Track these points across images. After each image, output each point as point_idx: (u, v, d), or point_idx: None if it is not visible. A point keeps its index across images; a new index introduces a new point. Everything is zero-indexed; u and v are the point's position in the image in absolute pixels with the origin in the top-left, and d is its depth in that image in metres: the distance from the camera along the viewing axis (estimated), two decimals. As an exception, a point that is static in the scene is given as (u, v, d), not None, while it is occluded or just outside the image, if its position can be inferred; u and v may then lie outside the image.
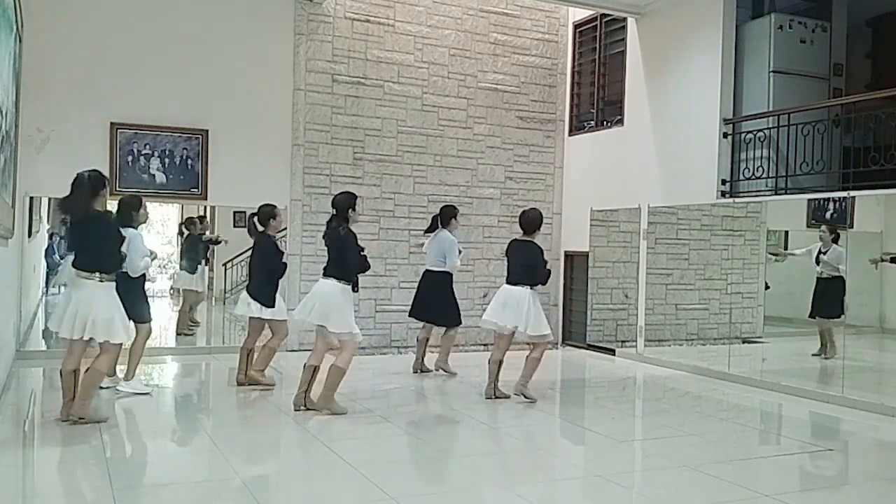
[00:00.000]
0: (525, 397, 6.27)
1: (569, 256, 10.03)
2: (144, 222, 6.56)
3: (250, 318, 6.69)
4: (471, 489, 4.34)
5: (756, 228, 8.07)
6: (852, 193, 6.85)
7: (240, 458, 4.76)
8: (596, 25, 9.80)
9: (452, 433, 5.63)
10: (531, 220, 6.41)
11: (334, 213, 5.77)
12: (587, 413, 6.43)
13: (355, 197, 5.84)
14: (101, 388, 5.88)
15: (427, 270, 7.62)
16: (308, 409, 5.76)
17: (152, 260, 6.42)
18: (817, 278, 7.92)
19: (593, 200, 9.43)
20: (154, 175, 8.23)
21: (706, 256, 8.62)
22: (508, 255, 6.48)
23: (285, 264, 6.86)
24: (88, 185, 5.22)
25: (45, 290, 8.87)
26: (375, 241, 8.83)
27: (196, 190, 8.35)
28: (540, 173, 10.04)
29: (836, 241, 7.79)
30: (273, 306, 6.60)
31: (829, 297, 7.77)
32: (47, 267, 8.84)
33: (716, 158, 7.98)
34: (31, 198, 7.88)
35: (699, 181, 8.11)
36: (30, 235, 8.11)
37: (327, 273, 5.74)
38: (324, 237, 5.93)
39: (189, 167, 8.34)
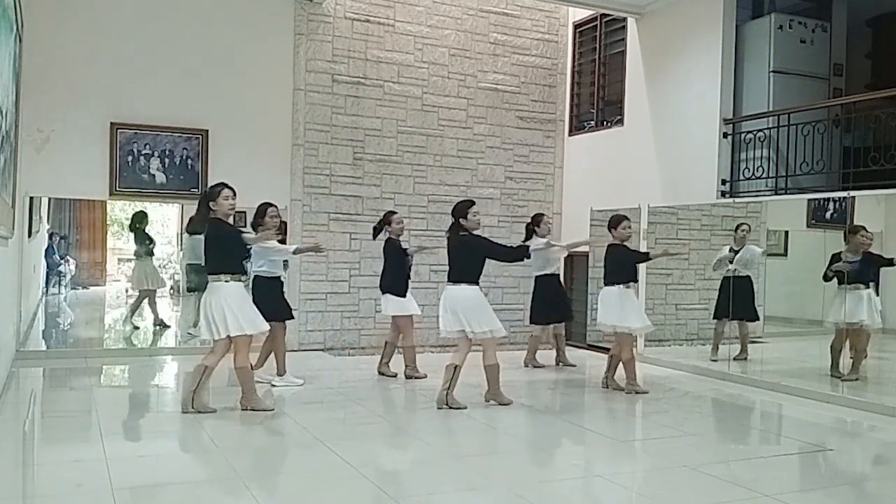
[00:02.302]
0: (636, 392, 6.81)
1: (569, 256, 10.01)
2: (273, 227, 6.76)
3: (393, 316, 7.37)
4: (470, 489, 4.33)
5: (756, 228, 8.06)
6: (852, 193, 6.84)
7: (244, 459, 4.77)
8: (596, 25, 9.81)
9: (451, 433, 5.63)
10: (610, 221, 6.99)
11: (454, 221, 6.18)
12: (587, 413, 6.43)
13: (470, 204, 6.16)
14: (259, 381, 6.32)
15: (542, 275, 8.16)
16: (451, 408, 5.98)
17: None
18: (726, 277, 8.03)
19: (593, 200, 9.42)
20: (154, 175, 8.23)
21: (706, 256, 8.62)
22: (605, 259, 7.05)
23: (410, 257, 7.49)
24: (203, 197, 5.74)
25: (45, 290, 8.87)
26: (375, 241, 8.81)
27: (196, 190, 8.33)
28: (540, 173, 10.04)
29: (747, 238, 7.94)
30: (404, 296, 7.25)
31: (740, 298, 7.93)
32: (47, 267, 8.84)
33: (716, 158, 7.98)
34: (31, 198, 7.88)
35: (699, 181, 8.11)
36: (30, 235, 8.11)
37: (455, 279, 6.08)
38: (448, 246, 6.28)
39: (189, 167, 8.34)
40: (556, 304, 8.17)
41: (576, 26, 10.12)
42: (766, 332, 8.31)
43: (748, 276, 7.95)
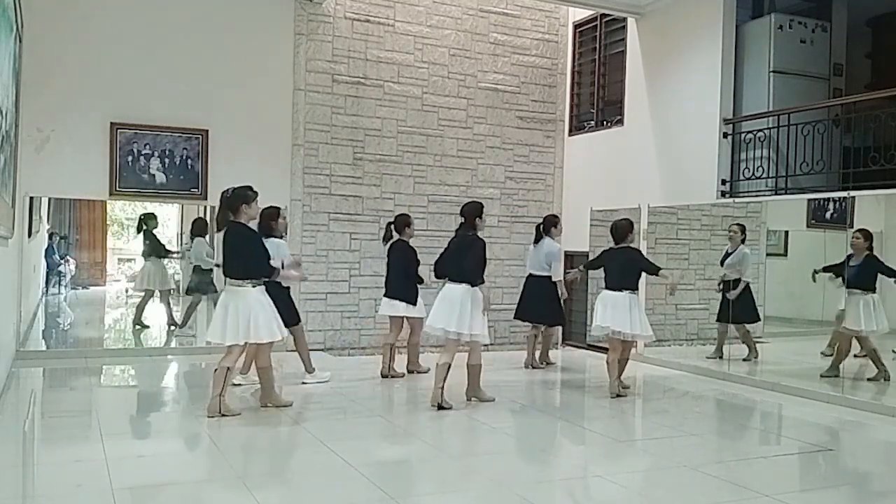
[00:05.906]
0: (618, 395, 6.70)
1: (569, 256, 9.99)
2: (285, 231, 6.95)
3: (392, 316, 7.47)
4: (470, 489, 4.33)
5: (756, 228, 8.07)
6: (852, 193, 6.84)
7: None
8: (596, 25, 9.81)
9: (450, 433, 5.63)
10: (619, 229, 6.81)
11: (463, 221, 6.19)
12: (587, 413, 6.43)
13: (482, 206, 6.24)
14: (235, 384, 6.31)
15: (531, 275, 8.15)
16: (442, 407, 5.97)
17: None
18: (723, 281, 8.01)
19: (593, 200, 9.42)
20: (154, 175, 8.23)
21: (706, 256, 8.62)
22: (605, 263, 6.93)
23: (419, 262, 7.44)
24: (227, 200, 5.61)
25: (45, 290, 8.87)
26: (376, 241, 8.83)
27: (196, 190, 8.35)
28: (540, 173, 10.04)
29: (744, 241, 7.89)
30: (416, 304, 7.34)
31: (740, 302, 7.86)
32: (47, 267, 8.84)
33: (716, 158, 7.98)
34: (31, 198, 7.88)
35: (699, 181, 8.11)
36: (30, 235, 8.11)
37: (454, 278, 6.08)
38: (450, 243, 6.32)
39: (189, 167, 8.34)
40: (546, 305, 8.05)
41: (576, 26, 10.12)
42: (766, 332, 8.30)
43: (747, 280, 7.88)
